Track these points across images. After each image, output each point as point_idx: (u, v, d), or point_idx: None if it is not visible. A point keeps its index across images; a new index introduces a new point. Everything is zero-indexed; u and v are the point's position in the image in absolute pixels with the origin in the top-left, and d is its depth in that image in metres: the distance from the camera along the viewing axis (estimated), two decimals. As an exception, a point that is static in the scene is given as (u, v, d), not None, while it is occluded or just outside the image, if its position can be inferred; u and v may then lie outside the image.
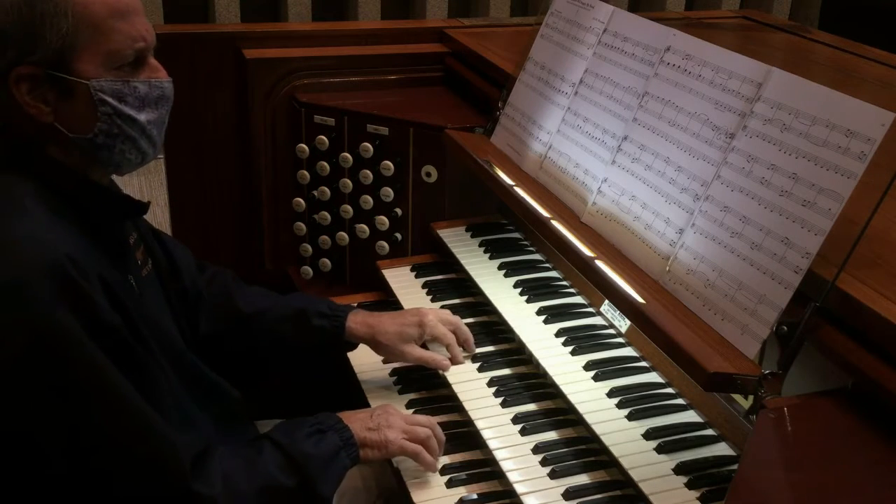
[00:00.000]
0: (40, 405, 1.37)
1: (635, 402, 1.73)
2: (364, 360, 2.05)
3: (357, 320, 1.95)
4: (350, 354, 2.05)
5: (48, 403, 1.37)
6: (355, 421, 1.70)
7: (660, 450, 1.61)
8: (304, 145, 2.56)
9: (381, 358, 2.04)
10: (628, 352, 1.90)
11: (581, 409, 1.73)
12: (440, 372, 1.95)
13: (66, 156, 1.50)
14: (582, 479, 1.64)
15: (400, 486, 1.73)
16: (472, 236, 2.38)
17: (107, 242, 1.54)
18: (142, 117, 1.52)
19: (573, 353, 1.89)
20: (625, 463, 1.59)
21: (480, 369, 1.95)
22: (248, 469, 1.55)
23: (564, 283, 2.16)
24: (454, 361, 1.96)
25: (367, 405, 1.95)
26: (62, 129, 1.47)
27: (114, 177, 1.67)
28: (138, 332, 1.47)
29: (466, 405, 1.84)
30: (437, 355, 1.95)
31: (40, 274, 1.35)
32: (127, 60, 1.48)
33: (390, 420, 1.72)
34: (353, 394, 2.03)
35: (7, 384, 1.36)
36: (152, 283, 1.70)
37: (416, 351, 1.95)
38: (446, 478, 1.72)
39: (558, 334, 1.95)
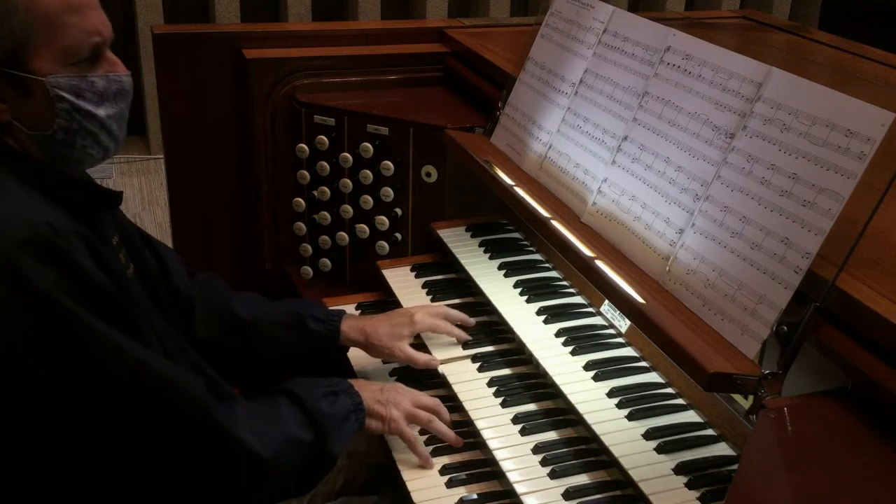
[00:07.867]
0: (49, 371, 1.40)
1: (635, 402, 1.73)
2: (364, 361, 2.06)
3: (350, 325, 1.99)
4: (350, 355, 2.07)
5: (55, 368, 1.40)
6: (366, 390, 1.76)
7: (660, 450, 1.61)
8: (304, 145, 2.56)
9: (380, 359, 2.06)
10: (628, 352, 1.90)
11: (581, 409, 1.73)
12: (439, 371, 1.96)
13: (29, 152, 1.50)
14: (582, 479, 1.64)
15: (400, 485, 1.73)
16: (472, 236, 2.38)
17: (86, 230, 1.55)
18: (101, 112, 1.51)
19: (573, 353, 1.89)
20: (625, 463, 1.59)
21: (480, 369, 1.95)
22: (269, 420, 1.59)
23: (564, 283, 2.16)
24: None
25: None
26: (21, 127, 1.47)
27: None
28: (126, 291, 1.49)
29: (466, 405, 1.85)
30: (425, 355, 1.97)
31: (23, 246, 1.36)
32: (83, 56, 1.47)
33: (398, 398, 1.77)
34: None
35: (17, 355, 1.39)
36: (136, 285, 1.70)
37: (406, 349, 1.97)
38: (446, 478, 1.73)
39: (558, 334, 1.95)
